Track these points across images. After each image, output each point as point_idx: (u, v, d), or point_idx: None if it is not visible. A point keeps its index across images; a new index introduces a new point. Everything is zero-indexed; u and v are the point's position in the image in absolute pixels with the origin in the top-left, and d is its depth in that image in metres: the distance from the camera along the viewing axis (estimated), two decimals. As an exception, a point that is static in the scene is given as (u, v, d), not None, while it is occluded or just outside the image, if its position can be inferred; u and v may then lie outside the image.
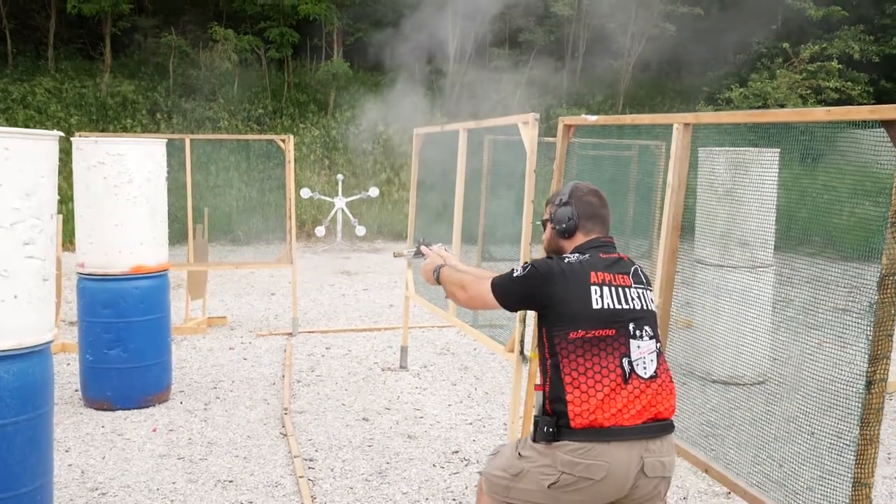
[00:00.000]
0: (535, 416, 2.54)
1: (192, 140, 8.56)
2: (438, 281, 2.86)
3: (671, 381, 2.55)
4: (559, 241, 2.70)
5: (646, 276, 2.65)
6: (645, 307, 2.57)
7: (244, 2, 19.96)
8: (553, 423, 2.46)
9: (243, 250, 14.45)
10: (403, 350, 6.58)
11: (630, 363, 2.45)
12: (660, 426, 2.48)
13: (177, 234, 10.99)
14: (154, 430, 5.03)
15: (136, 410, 5.38)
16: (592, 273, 2.52)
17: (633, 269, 2.62)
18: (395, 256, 3.40)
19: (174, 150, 10.20)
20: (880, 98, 19.19)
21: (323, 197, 15.34)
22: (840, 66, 18.02)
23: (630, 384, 2.44)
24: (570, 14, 20.25)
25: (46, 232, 3.43)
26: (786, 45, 18.09)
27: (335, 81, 19.27)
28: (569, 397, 2.44)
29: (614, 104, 21.53)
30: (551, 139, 4.52)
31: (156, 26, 20.87)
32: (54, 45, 19.67)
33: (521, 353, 4.19)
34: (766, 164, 5.74)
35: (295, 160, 9.53)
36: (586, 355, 2.45)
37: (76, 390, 5.76)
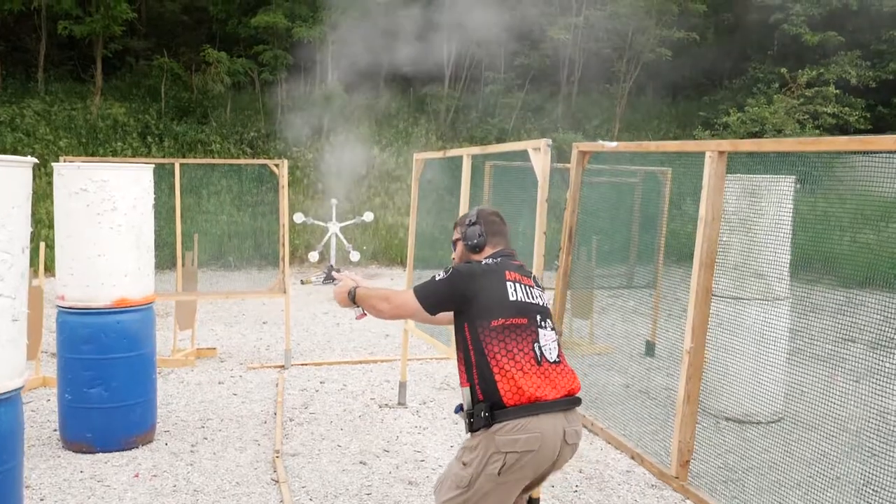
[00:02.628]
0: (468, 410, 2.84)
1: (183, 164, 8.29)
2: (354, 300, 3.13)
3: (569, 366, 2.98)
4: (470, 256, 3.14)
5: (540, 283, 3.16)
6: (544, 304, 3.03)
7: (237, 25, 19.81)
8: (487, 407, 2.77)
9: (234, 276, 14.12)
10: (402, 386, 6.27)
11: (539, 348, 2.87)
12: (572, 400, 2.88)
13: (166, 260, 10.70)
14: (136, 476, 4.70)
15: (117, 453, 5.04)
16: (507, 272, 2.97)
17: (532, 275, 3.11)
18: (302, 283, 3.68)
19: (165, 174, 9.94)
20: (877, 124, 19.10)
21: (316, 222, 15.05)
22: (837, 91, 17.93)
23: (542, 365, 2.84)
24: (566, 38, 20.15)
25: (17, 267, 3.14)
26: (783, 70, 18.00)
27: (329, 104, 19.08)
28: (497, 377, 2.79)
29: (610, 129, 21.38)
30: (563, 165, 4.26)
31: (148, 49, 20.69)
32: (44, 68, 19.42)
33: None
34: (781, 192, 5.51)
35: (288, 184, 9.26)
36: (507, 339, 2.83)
37: (55, 430, 5.42)
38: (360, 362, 7.78)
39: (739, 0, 21.03)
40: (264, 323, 9.85)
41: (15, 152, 17.08)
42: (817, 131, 17.24)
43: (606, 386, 6.64)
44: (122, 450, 5.09)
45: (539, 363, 2.83)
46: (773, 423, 5.68)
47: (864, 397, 4.62)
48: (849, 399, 4.68)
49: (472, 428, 2.80)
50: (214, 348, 8.16)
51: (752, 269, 5.54)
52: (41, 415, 5.93)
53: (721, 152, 2.51)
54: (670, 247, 8.03)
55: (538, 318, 2.92)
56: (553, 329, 2.97)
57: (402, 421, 5.84)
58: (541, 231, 3.81)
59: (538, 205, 3.80)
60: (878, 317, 4.66)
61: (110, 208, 4.97)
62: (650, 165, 8.08)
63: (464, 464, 2.81)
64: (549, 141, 3.79)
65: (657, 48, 21.01)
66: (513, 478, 2.75)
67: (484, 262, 3.03)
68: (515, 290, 2.92)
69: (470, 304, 2.88)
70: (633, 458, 3.23)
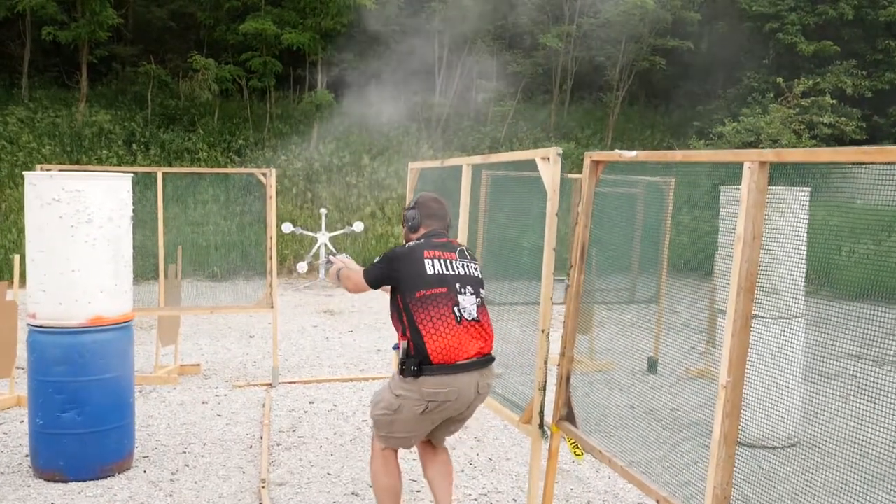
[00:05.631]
0: (402, 359, 3.52)
1: (167, 173, 7.96)
2: (338, 278, 3.92)
3: (490, 324, 3.66)
4: (409, 235, 3.86)
5: (470, 253, 3.84)
6: (467, 273, 3.67)
7: (226, 31, 19.48)
8: (417, 361, 3.47)
9: (221, 287, 13.75)
10: (395, 407, 5.94)
11: (459, 310, 3.54)
12: (485, 360, 3.58)
13: (150, 270, 10.33)
14: (111, 508, 4.37)
15: (92, 482, 4.70)
16: (425, 251, 3.64)
17: (458, 249, 3.77)
18: (309, 269, 4.22)
19: (150, 183, 9.59)
20: (873, 134, 18.96)
21: (305, 232, 14.72)
22: (833, 101, 17.76)
23: (461, 324, 3.51)
24: (559, 46, 19.93)
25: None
26: (779, 79, 17.81)
27: (318, 112, 18.76)
28: (426, 338, 3.47)
29: (603, 138, 21.17)
30: (575, 175, 3.98)
31: (134, 55, 20.33)
32: (28, 74, 19.03)
33: (541, 425, 3.60)
34: (796, 205, 5.24)
35: (276, 193, 8.95)
36: (429, 307, 3.51)
37: (27, 455, 5.07)
38: (351, 380, 7.46)
39: (733, 9, 20.90)
40: (251, 337, 9.51)
41: (-3, 160, 16.70)
42: (813, 141, 17.06)
43: (610, 407, 6.34)
44: (97, 478, 4.75)
45: (459, 322, 3.51)
46: (788, 447, 5.40)
47: (881, 419, 4.34)
48: (866, 422, 4.40)
49: (402, 374, 3.51)
50: (198, 364, 7.83)
51: (766, 285, 5.26)
52: (13, 438, 5.58)
53: (763, 163, 2.22)
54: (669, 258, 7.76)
55: (457, 285, 3.58)
56: (473, 294, 3.62)
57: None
58: (550, 247, 3.52)
59: (548, 218, 3.51)
60: (883, 331, 4.40)
61: (85, 220, 4.64)
62: (646, 175, 7.80)
63: (396, 395, 3.55)
64: (559, 150, 3.51)
65: (651, 57, 20.83)
66: (431, 417, 3.54)
67: (408, 244, 3.75)
68: (433, 265, 3.59)
69: (397, 280, 3.62)
70: (658, 501, 2.93)
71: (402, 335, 3.56)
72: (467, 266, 3.69)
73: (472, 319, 3.54)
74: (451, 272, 3.60)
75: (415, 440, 3.68)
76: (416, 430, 3.60)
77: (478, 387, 3.52)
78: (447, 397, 3.45)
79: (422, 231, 3.81)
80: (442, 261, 3.62)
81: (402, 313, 3.57)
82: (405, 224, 3.88)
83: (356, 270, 3.86)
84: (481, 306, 3.63)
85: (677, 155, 2.90)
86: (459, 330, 3.48)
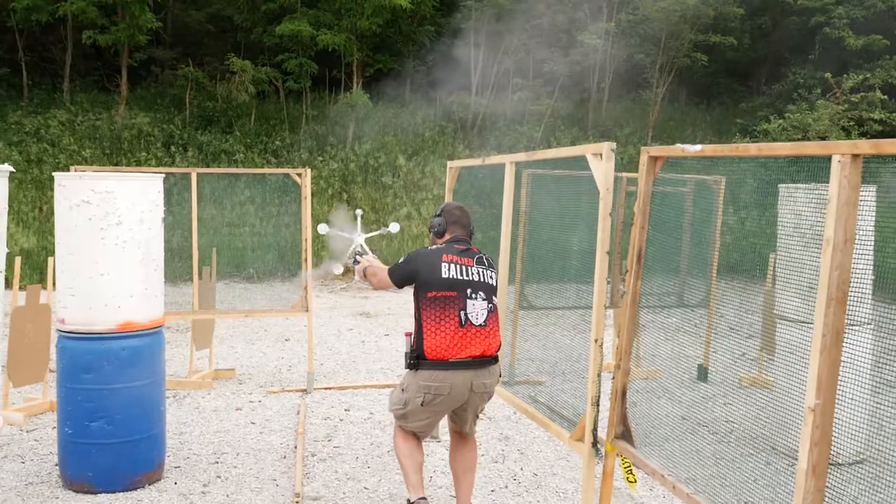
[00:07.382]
0: (406, 352, 3.86)
1: (205, 174, 7.82)
2: (364, 275, 4.22)
3: (497, 331, 3.91)
4: (435, 240, 4.11)
5: (488, 260, 4.03)
6: (481, 280, 3.89)
7: (262, 33, 19.47)
8: (415, 356, 3.79)
9: (256, 288, 13.66)
10: (434, 416, 5.72)
11: (466, 315, 3.77)
12: (484, 361, 3.81)
13: (187, 271, 10.23)
14: (140, 523, 4.20)
15: (121, 494, 4.54)
16: (444, 255, 3.90)
17: (476, 256, 3.97)
18: (345, 270, 4.66)
19: (188, 184, 9.50)
20: (925, 130, 18.27)
21: (341, 233, 14.56)
22: (884, 96, 17.14)
23: (465, 328, 3.75)
24: (598, 42, 19.55)
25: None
26: (827, 75, 17.24)
27: (354, 113, 18.63)
28: (425, 336, 3.75)
29: (643, 136, 20.72)
30: (631, 174, 3.72)
31: (173, 58, 20.43)
32: (70, 78, 19.20)
33: (595, 443, 3.33)
34: (862, 203, 4.89)
35: (312, 195, 8.78)
36: (436, 309, 3.77)
37: (56, 464, 4.93)
38: (388, 386, 7.23)
39: (777, 3, 20.32)
40: (286, 340, 9.36)
41: (39, 162, 16.86)
42: (863, 139, 16.50)
43: (659, 417, 6.03)
44: (127, 490, 4.59)
45: (462, 326, 3.74)
46: (854, 464, 5.04)
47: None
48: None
49: (406, 366, 3.85)
50: (233, 369, 7.69)
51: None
52: (44, 445, 5.46)
53: (856, 155, 1.93)
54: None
55: (468, 290, 3.81)
56: (486, 300, 3.85)
57: (435, 458, 5.24)
58: (603, 250, 3.26)
59: (600, 219, 3.25)
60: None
61: (115, 222, 4.49)
62: (709, 174, 7.44)
63: (402, 389, 3.89)
64: (613, 145, 3.25)
65: (692, 53, 20.34)
66: (432, 409, 3.80)
67: (430, 247, 3.98)
68: (449, 269, 3.82)
69: (415, 280, 3.88)
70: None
71: (412, 332, 3.86)
72: (483, 273, 3.92)
73: (479, 325, 3.79)
74: (465, 277, 3.84)
75: (429, 428, 3.95)
76: (427, 419, 3.86)
77: (472, 385, 3.75)
78: (439, 391, 3.72)
79: (446, 237, 4.06)
80: (458, 266, 3.86)
81: (415, 311, 3.85)
82: (431, 230, 4.15)
83: (381, 268, 4.15)
84: (492, 312, 3.88)
85: (751, 148, 2.61)
86: (461, 333, 3.74)
